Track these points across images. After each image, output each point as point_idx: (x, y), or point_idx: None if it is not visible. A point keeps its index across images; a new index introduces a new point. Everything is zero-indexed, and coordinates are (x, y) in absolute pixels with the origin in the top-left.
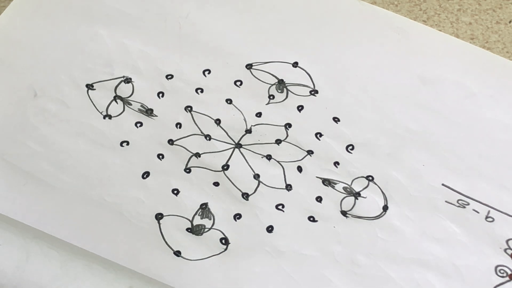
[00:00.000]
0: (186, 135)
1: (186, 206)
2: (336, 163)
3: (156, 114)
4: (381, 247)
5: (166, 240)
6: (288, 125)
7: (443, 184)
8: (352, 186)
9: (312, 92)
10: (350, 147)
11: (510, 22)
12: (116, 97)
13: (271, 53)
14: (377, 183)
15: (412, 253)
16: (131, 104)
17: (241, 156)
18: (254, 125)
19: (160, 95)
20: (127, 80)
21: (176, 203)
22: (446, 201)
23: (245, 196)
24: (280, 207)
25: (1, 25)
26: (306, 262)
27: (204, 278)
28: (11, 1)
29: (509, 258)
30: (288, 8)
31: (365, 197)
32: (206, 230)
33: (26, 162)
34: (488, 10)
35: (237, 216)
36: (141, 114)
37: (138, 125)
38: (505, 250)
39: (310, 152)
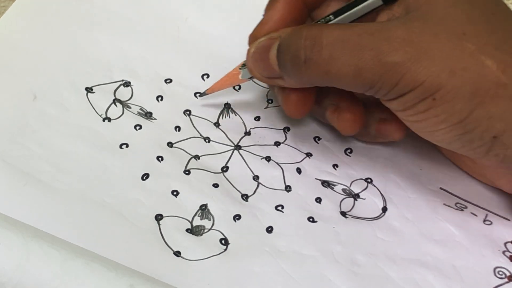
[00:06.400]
0: (185, 138)
1: (186, 207)
2: (335, 165)
3: (155, 117)
4: (380, 247)
5: (166, 240)
6: (286, 129)
7: (441, 188)
8: (351, 188)
9: None
10: (349, 151)
11: None
12: (116, 100)
13: None
14: (375, 185)
15: (412, 253)
16: (130, 107)
17: (241, 157)
18: (253, 128)
19: (159, 98)
20: (126, 84)
21: (176, 205)
22: (444, 204)
23: (245, 197)
24: (279, 208)
25: (1, 28)
26: (306, 262)
27: (204, 278)
28: (11, 1)
29: (508, 260)
30: None
31: (364, 199)
32: (206, 230)
33: (26, 164)
34: None
35: (237, 217)
36: (140, 117)
37: (138, 127)
38: (503, 252)
39: (309, 155)
